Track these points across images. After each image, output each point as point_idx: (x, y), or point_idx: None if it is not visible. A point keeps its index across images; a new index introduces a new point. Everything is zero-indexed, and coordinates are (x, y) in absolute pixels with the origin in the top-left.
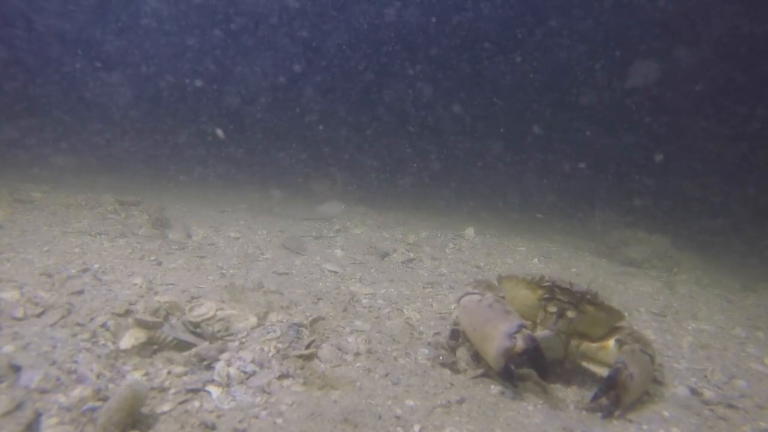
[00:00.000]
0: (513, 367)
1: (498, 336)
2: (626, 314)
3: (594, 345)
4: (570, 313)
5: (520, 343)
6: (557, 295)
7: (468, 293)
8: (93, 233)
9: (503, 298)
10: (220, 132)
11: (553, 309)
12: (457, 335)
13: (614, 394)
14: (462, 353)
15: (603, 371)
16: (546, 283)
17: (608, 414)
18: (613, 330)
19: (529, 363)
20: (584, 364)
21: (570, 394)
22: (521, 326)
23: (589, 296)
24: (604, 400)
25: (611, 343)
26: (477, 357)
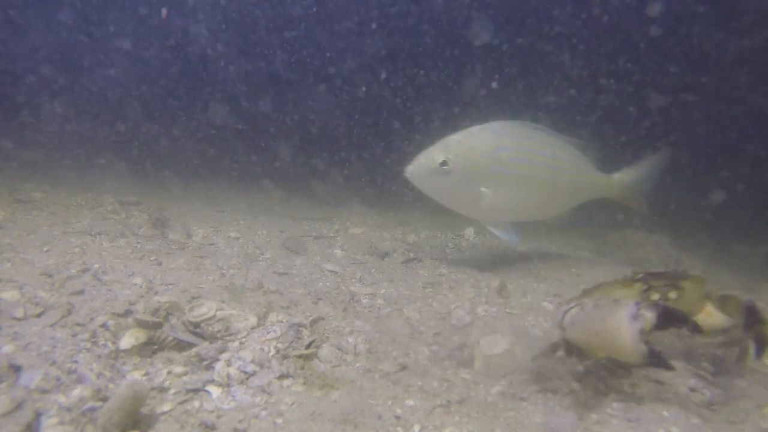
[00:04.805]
0: (658, 349)
1: (623, 324)
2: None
3: (700, 316)
4: (672, 294)
5: (649, 316)
6: (652, 282)
7: (567, 310)
8: (93, 233)
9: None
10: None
11: (656, 296)
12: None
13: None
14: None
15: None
16: (640, 275)
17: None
18: (704, 297)
19: (673, 326)
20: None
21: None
22: (638, 303)
23: (683, 273)
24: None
25: (710, 307)
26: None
